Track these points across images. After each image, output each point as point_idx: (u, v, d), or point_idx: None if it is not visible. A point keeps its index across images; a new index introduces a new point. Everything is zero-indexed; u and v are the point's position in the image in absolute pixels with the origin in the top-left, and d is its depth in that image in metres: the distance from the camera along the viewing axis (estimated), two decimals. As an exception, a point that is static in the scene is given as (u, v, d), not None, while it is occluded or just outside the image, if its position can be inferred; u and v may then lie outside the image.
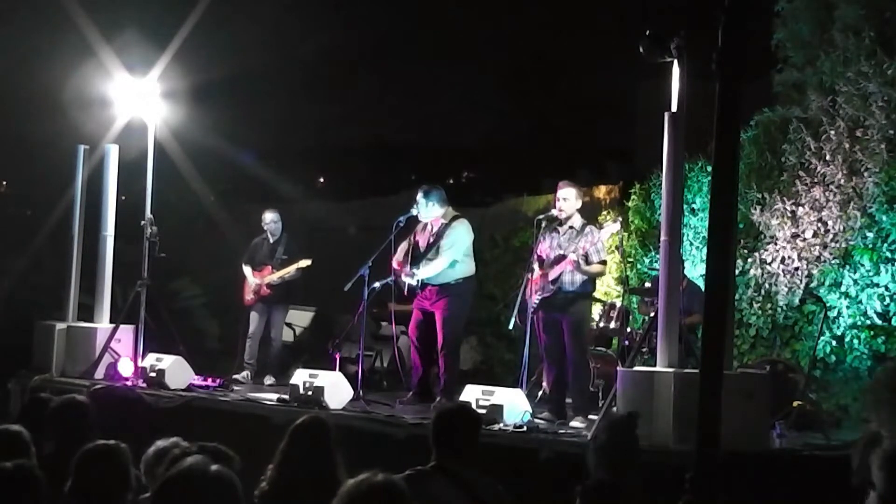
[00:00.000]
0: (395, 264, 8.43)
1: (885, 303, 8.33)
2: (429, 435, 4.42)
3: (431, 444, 4.37)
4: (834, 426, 7.40)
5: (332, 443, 4.41)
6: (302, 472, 4.23)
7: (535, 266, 7.68)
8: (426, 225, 8.48)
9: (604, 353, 8.92)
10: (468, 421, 4.52)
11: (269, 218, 9.99)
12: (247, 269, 9.97)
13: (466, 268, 8.36)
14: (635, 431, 4.46)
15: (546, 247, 7.75)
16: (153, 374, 8.76)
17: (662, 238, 6.54)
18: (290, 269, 9.76)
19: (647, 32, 6.45)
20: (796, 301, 8.93)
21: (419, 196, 8.35)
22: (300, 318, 11.38)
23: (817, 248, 8.81)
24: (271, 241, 10.01)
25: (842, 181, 8.71)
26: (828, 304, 8.48)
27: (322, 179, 25.24)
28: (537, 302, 7.58)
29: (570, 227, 7.70)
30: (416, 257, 8.35)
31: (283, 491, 4.20)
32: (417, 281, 8.24)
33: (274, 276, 9.77)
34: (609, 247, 9.73)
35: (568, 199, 7.70)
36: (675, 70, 6.45)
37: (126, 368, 9.07)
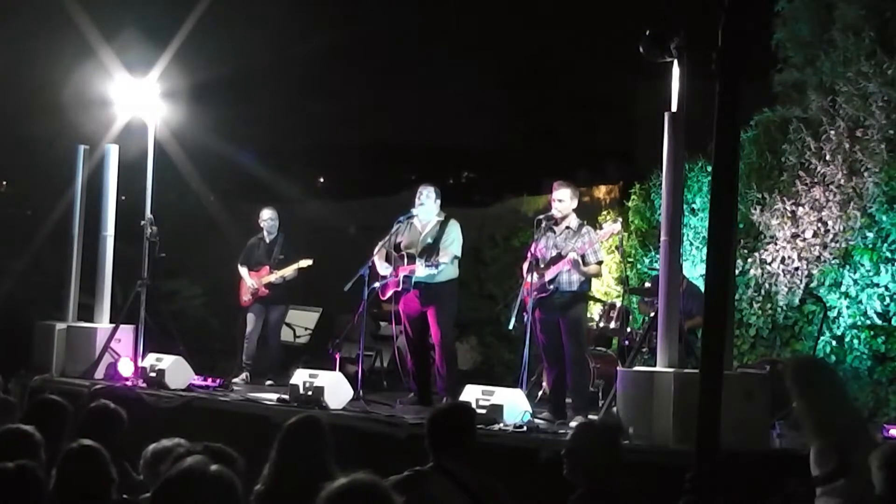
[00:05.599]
0: (381, 268, 8.37)
1: (885, 303, 8.33)
2: (425, 437, 4.41)
3: (428, 447, 4.35)
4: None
5: (326, 441, 4.40)
6: (297, 472, 4.22)
7: (532, 266, 7.67)
8: (410, 226, 8.42)
9: (604, 353, 8.93)
10: (462, 420, 4.51)
11: (267, 215, 9.98)
12: (243, 270, 9.94)
13: (455, 269, 8.35)
14: (618, 442, 4.44)
15: (542, 247, 7.74)
16: (153, 374, 8.76)
17: (662, 238, 6.54)
18: (291, 269, 9.75)
19: (647, 32, 6.45)
20: (796, 301, 8.93)
21: (424, 193, 8.29)
22: (306, 318, 11.37)
23: (817, 248, 8.81)
24: (267, 240, 9.99)
25: (842, 181, 8.71)
26: (828, 304, 8.49)
27: (322, 179, 25.22)
28: (534, 302, 7.57)
29: (567, 228, 7.69)
30: (411, 257, 8.30)
31: (279, 491, 4.19)
32: (412, 280, 8.20)
33: (273, 276, 9.76)
34: (609, 247, 9.74)
35: (563, 199, 7.69)
36: (675, 70, 6.45)
37: (126, 368, 9.07)
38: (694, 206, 9.66)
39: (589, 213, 9.97)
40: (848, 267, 8.56)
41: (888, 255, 8.36)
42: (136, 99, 9.68)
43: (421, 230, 8.36)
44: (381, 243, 8.43)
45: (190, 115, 10.28)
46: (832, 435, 4.84)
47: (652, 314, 7.86)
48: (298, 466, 4.25)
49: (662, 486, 4.58)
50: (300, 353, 10.93)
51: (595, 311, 9.47)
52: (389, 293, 8.37)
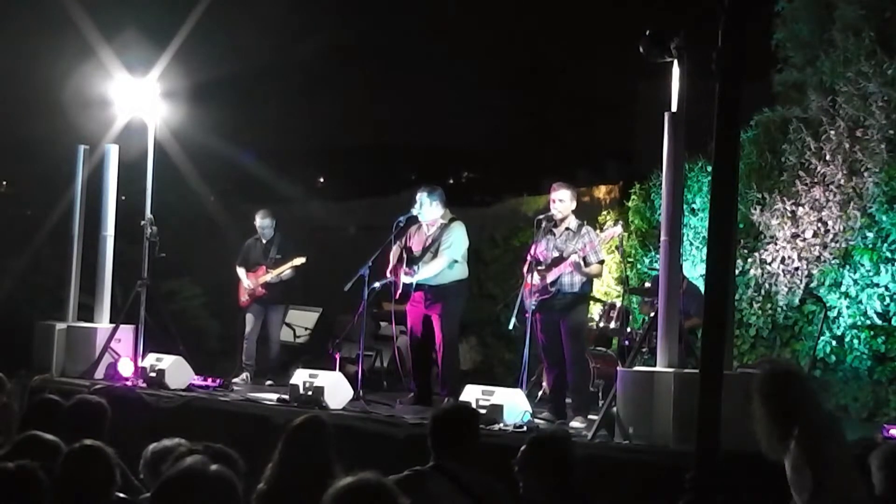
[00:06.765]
0: (389, 270, 8.39)
1: (885, 303, 8.32)
2: (427, 436, 4.41)
3: (430, 446, 4.35)
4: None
5: (331, 442, 4.40)
6: (301, 471, 4.22)
7: (533, 268, 7.67)
8: (419, 227, 8.44)
9: (604, 353, 8.93)
10: (466, 421, 4.51)
11: (259, 222, 9.99)
12: (240, 271, 9.96)
13: (462, 270, 8.33)
14: (568, 453, 4.44)
15: (542, 248, 7.74)
16: (153, 374, 8.76)
17: (662, 238, 6.53)
18: (286, 268, 9.77)
19: (647, 32, 6.44)
20: (796, 301, 8.92)
21: (422, 195, 8.30)
22: (306, 318, 11.37)
23: (817, 248, 8.81)
24: (264, 241, 10.01)
25: (842, 181, 8.71)
26: (828, 304, 8.48)
27: (322, 179, 25.25)
28: (535, 304, 7.57)
29: (567, 229, 7.68)
30: (412, 259, 8.31)
31: (282, 491, 4.19)
32: (413, 283, 8.20)
33: (269, 276, 9.77)
34: (609, 247, 9.73)
35: (563, 200, 7.69)
36: (675, 70, 6.45)
37: (126, 368, 9.07)
38: (694, 206, 9.66)
39: (589, 213, 9.97)
40: (848, 267, 8.56)
41: (888, 255, 8.36)
42: (136, 99, 9.67)
43: (426, 232, 8.38)
44: (396, 245, 8.45)
45: (190, 115, 10.28)
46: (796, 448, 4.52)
47: (652, 314, 7.86)
48: (302, 466, 4.25)
49: (662, 486, 4.58)
50: (300, 353, 10.93)
51: (595, 311, 9.47)
52: (398, 294, 8.39)
